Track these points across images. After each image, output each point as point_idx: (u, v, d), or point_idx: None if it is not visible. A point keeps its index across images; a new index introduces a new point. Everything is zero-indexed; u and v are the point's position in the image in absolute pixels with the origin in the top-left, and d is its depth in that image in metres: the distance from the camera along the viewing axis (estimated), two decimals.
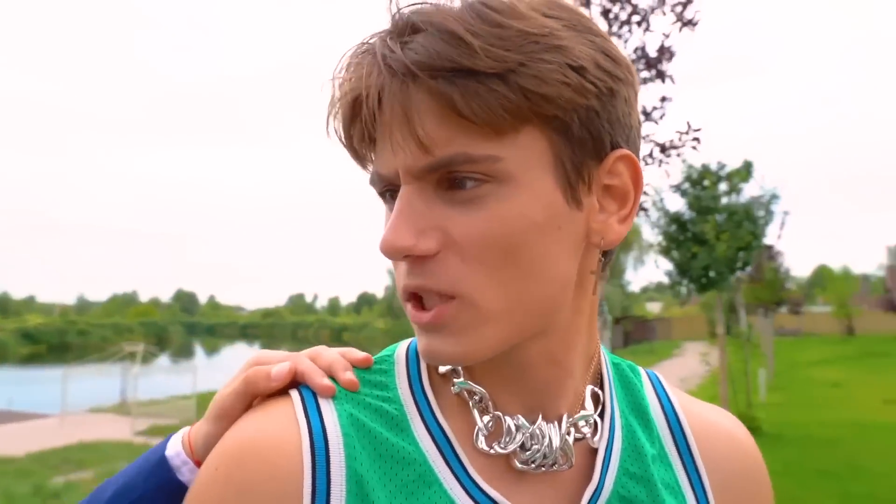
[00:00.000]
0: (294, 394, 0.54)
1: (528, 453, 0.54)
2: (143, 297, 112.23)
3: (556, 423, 0.55)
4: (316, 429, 0.51)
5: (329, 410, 0.53)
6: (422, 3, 0.49)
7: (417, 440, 0.53)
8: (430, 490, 0.51)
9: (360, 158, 0.53)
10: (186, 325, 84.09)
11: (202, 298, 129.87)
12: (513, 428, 0.54)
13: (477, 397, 0.55)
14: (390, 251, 0.48)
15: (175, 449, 0.57)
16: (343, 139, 0.52)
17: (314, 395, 0.54)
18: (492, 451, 0.54)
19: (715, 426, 0.63)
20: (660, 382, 0.66)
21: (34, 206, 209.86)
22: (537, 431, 0.54)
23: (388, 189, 0.52)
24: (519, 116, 0.46)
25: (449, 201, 0.48)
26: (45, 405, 13.71)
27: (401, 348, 0.60)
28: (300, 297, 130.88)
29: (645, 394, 0.63)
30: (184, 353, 46.38)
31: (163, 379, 16.69)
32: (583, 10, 0.53)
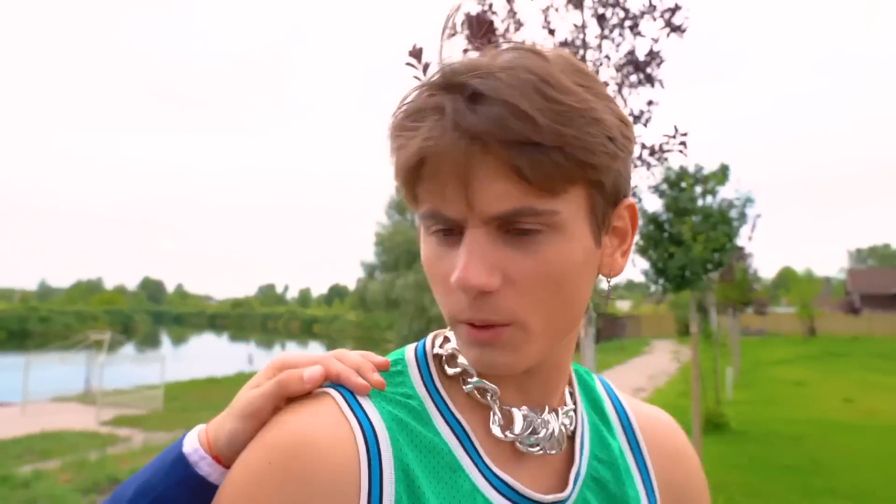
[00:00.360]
0: (332, 392, 0.59)
1: (536, 437, 0.63)
2: (109, 285, 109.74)
3: (554, 413, 0.66)
4: (364, 423, 0.57)
5: (370, 406, 0.59)
6: (476, 66, 0.55)
7: (440, 432, 0.60)
8: (457, 475, 0.59)
9: (415, 201, 0.59)
10: (153, 314, 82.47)
11: (170, 287, 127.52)
12: (520, 418, 0.63)
13: (489, 393, 0.63)
14: (467, 288, 0.55)
15: (192, 445, 0.60)
16: (405, 185, 0.59)
17: (351, 393, 0.60)
18: (505, 437, 0.62)
19: (653, 419, 0.76)
20: (608, 385, 0.78)
21: None
22: (545, 419, 0.64)
23: (444, 227, 0.59)
24: (571, 180, 0.55)
25: (510, 244, 0.56)
26: (6, 394, 13.34)
27: (409, 352, 0.67)
28: (270, 287, 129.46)
29: (599, 393, 0.75)
30: (150, 342, 45.54)
31: (129, 368, 16.37)
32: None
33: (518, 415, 0.63)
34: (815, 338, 34.86)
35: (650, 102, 3.13)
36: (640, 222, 6.10)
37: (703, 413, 7.32)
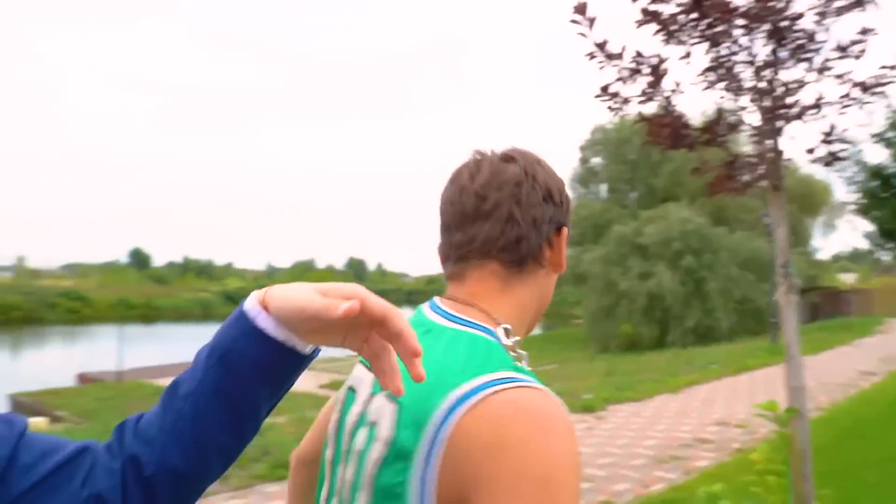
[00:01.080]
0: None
1: None
2: (321, 264, 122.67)
3: None
4: None
5: None
6: None
7: None
8: None
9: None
10: None
11: (371, 265, 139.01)
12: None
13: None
14: None
15: (251, 304, 0.65)
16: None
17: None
18: None
19: None
20: None
21: (228, 183, 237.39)
22: None
23: None
24: None
25: None
26: None
27: (502, 337, 0.91)
28: None
29: None
30: None
31: None
32: None
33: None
34: None
35: (864, 31, 2.67)
36: (862, 177, 5.28)
37: None
